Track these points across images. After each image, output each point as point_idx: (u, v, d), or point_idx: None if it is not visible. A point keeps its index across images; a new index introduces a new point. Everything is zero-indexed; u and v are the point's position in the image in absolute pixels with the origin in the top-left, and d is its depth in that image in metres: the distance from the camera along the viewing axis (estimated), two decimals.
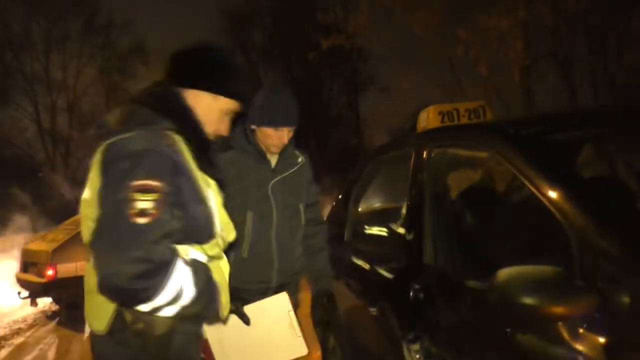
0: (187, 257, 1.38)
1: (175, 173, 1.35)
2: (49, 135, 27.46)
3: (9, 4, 24.91)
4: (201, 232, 1.44)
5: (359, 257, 2.91)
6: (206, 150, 1.50)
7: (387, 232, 2.73)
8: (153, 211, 1.26)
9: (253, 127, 2.13)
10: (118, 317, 1.41)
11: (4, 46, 26.16)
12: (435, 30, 10.91)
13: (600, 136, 2.18)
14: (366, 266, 2.75)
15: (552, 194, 1.49)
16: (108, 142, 1.36)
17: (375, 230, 3.02)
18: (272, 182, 2.16)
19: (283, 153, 2.20)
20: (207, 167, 1.47)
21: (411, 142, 2.53)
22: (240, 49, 26.00)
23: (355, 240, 3.13)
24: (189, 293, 1.34)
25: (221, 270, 1.52)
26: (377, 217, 3.07)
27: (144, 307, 1.30)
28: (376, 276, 2.63)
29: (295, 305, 2.05)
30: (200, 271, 1.40)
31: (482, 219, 2.27)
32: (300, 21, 24.43)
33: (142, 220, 1.25)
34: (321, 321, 2.28)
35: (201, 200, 1.41)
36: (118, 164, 1.30)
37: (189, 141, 1.43)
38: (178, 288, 1.30)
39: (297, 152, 2.25)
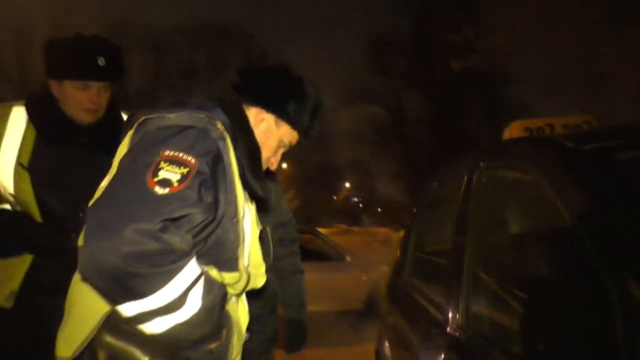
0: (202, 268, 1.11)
1: (217, 164, 1.11)
2: None
3: (178, 36, 28.13)
4: (224, 253, 1.16)
5: (407, 305, 2.35)
6: (257, 169, 1.26)
7: (430, 277, 2.14)
8: (176, 184, 1.02)
9: None
10: (88, 347, 1.10)
11: (175, 75, 29.49)
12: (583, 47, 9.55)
13: None
14: (405, 323, 2.19)
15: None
16: (146, 116, 1.15)
17: (424, 272, 2.42)
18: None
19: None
20: (255, 185, 1.24)
21: (465, 163, 1.94)
22: (382, 74, 25.93)
23: (408, 282, 2.55)
24: (193, 305, 1.05)
25: (237, 313, 1.25)
26: (431, 256, 2.48)
27: (129, 309, 1.02)
28: (415, 334, 2.05)
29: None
30: (215, 287, 1.11)
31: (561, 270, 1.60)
32: (436, 43, 23.30)
33: (161, 190, 1.01)
34: (292, 352, 2.12)
35: (235, 214, 1.16)
36: (152, 134, 1.10)
37: (237, 144, 1.20)
38: (181, 292, 1.03)
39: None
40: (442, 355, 1.59)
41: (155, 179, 1.01)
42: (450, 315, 1.64)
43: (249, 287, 1.26)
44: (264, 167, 1.33)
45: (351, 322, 6.18)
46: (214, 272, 1.13)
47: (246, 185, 1.21)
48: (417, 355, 1.98)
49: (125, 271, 0.96)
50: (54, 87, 1.64)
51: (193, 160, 1.05)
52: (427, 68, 21.88)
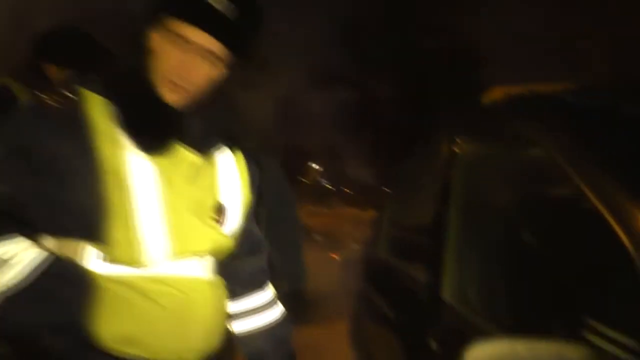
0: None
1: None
2: None
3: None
4: (70, 218, 0.97)
5: (384, 282, 2.28)
6: (142, 116, 1.04)
7: (409, 253, 2.07)
8: None
9: None
10: None
11: None
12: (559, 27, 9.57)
13: None
14: (387, 296, 2.12)
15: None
16: None
17: (401, 248, 2.35)
18: None
19: None
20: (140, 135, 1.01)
21: (445, 131, 1.85)
22: (352, 57, 25.64)
23: (386, 257, 2.48)
24: (17, 272, 0.92)
25: (116, 296, 0.98)
26: (407, 231, 2.41)
27: None
28: (394, 311, 1.99)
29: None
30: (55, 264, 0.95)
31: (552, 242, 1.55)
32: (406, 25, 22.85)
33: None
34: None
35: (89, 173, 0.96)
36: None
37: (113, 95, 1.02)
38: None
39: None
40: (426, 329, 1.52)
41: None
42: (433, 289, 1.57)
43: (178, 257, 1.03)
44: (168, 91, 1.01)
45: (323, 301, 6.13)
46: (99, 247, 0.96)
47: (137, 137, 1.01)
48: (398, 331, 1.92)
49: None
50: None
51: None
52: (399, 49, 21.73)
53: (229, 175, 1.17)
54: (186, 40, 0.96)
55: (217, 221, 1.11)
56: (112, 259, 0.97)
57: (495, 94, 1.92)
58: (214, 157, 1.15)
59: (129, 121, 1.00)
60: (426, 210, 1.82)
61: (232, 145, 1.21)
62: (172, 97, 1.01)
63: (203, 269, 1.10)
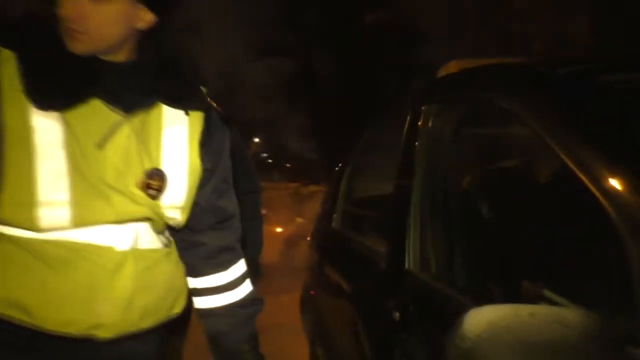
0: None
1: None
2: None
3: None
4: None
5: (340, 254, 2.27)
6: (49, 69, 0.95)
7: (367, 225, 2.07)
8: None
9: None
10: None
11: None
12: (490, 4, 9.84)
13: None
14: (343, 268, 2.11)
15: (610, 182, 0.79)
16: None
17: (358, 220, 2.35)
18: None
19: None
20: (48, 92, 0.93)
21: (408, 101, 1.83)
22: (292, 29, 25.18)
23: (342, 229, 2.47)
24: None
25: (6, 258, 0.94)
26: (365, 204, 2.40)
27: None
28: (351, 283, 1.98)
29: None
30: None
31: (507, 213, 1.58)
32: None
33: None
34: None
35: None
36: None
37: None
38: None
39: None
40: (387, 299, 1.52)
41: None
42: (396, 259, 1.56)
43: (83, 224, 0.96)
44: (66, 37, 0.93)
45: (267, 275, 6.12)
46: None
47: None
48: (355, 302, 1.91)
49: None
50: None
51: None
52: (338, 21, 21.59)
53: (174, 140, 1.06)
54: None
55: (148, 189, 1.02)
56: (4, 218, 0.93)
57: (452, 68, 1.92)
58: (158, 118, 1.04)
59: (34, 75, 0.92)
60: (385, 184, 1.80)
61: (196, 107, 1.09)
62: (74, 45, 0.93)
63: (124, 238, 1.02)
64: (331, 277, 2.35)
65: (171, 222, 1.10)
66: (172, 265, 1.16)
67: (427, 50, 21.04)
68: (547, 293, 1.09)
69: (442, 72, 2.05)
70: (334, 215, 2.54)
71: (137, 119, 1.01)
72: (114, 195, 0.98)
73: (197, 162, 1.09)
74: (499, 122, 1.45)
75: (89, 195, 0.95)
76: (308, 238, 3.23)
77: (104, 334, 1.00)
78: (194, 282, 1.24)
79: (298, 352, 3.01)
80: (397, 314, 1.49)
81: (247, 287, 1.27)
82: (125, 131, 0.99)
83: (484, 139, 1.63)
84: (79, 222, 0.95)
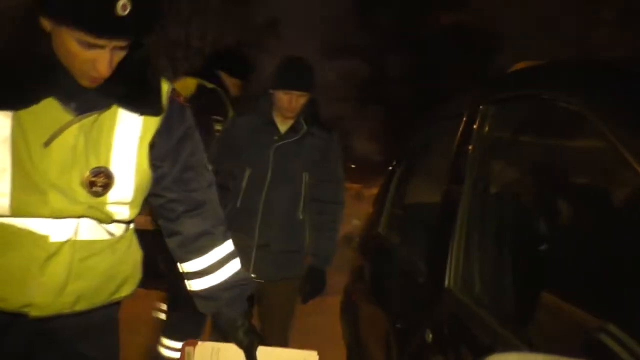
0: None
1: None
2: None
3: None
4: None
5: (381, 261, 2.13)
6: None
7: (411, 233, 1.91)
8: None
9: (270, 91, 2.25)
10: None
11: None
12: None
13: None
14: (383, 276, 1.97)
15: None
16: None
17: (403, 227, 2.19)
18: (275, 145, 2.25)
19: (295, 121, 2.28)
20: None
21: (466, 101, 1.66)
22: (365, 30, 24.93)
23: (386, 235, 2.32)
24: None
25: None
26: (411, 209, 2.24)
27: None
28: (389, 293, 1.84)
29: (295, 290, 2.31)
30: None
31: (570, 236, 1.38)
32: None
33: None
34: (306, 299, 2.32)
35: None
36: None
37: None
38: None
39: (302, 121, 2.28)
40: (423, 317, 1.38)
41: None
42: (436, 275, 1.41)
43: (21, 214, 1.04)
44: (84, 79, 1.01)
45: None
46: None
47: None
48: (391, 315, 1.77)
49: None
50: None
51: None
52: (413, 23, 21.10)
53: (125, 140, 1.11)
54: (92, 44, 0.95)
55: (93, 186, 1.08)
56: None
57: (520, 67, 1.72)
58: (111, 119, 1.09)
59: None
60: (435, 190, 1.65)
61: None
62: (90, 84, 1.02)
63: (61, 230, 1.08)
64: (371, 283, 2.22)
65: (118, 217, 1.15)
66: (118, 253, 1.20)
67: (505, 54, 20.18)
68: (612, 328, 0.92)
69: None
70: (381, 219, 2.41)
71: (89, 120, 1.05)
72: (52, 192, 1.04)
73: (144, 162, 1.14)
74: (565, 128, 1.26)
75: (27, 190, 1.02)
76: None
77: (35, 312, 1.09)
78: (180, 267, 1.34)
79: (335, 358, 2.90)
80: (430, 335, 1.35)
81: (228, 270, 1.32)
82: (74, 131, 1.03)
83: (546, 148, 1.44)
84: (16, 212, 1.03)
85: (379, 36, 24.33)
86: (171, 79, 1.27)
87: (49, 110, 1.01)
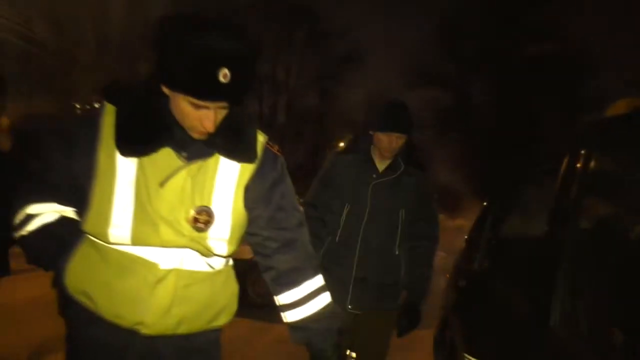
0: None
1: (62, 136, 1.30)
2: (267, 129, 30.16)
3: (246, 10, 28.06)
4: (78, 201, 1.27)
5: (479, 299, 2.13)
6: (132, 134, 1.25)
7: (511, 270, 1.91)
8: None
9: (371, 132, 2.37)
10: None
11: None
12: None
13: None
14: (482, 315, 1.97)
15: None
16: None
17: (502, 264, 2.18)
18: (373, 183, 2.34)
19: (393, 160, 2.38)
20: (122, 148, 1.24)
21: (569, 141, 1.68)
22: (451, 60, 24.70)
23: (483, 272, 2.33)
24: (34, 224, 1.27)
25: (88, 259, 1.27)
26: (510, 246, 2.23)
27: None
28: (489, 333, 1.84)
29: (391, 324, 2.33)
30: (64, 222, 1.29)
31: None
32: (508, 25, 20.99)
33: None
34: (402, 333, 2.34)
35: (92, 175, 1.24)
36: None
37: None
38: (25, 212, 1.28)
39: (400, 161, 2.38)
40: (533, 351, 1.39)
41: None
42: (541, 313, 1.42)
43: (138, 243, 1.23)
44: (194, 133, 1.22)
45: None
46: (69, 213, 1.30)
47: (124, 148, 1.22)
48: (499, 345, 1.78)
49: None
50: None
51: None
52: (498, 53, 20.59)
53: (225, 184, 1.28)
54: (200, 106, 1.15)
55: (196, 222, 1.23)
56: (87, 230, 1.24)
57: (621, 107, 1.72)
58: (214, 166, 1.27)
59: (123, 127, 1.21)
60: (539, 227, 1.66)
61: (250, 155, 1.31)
62: (198, 136, 1.22)
63: (169, 259, 1.24)
64: (468, 322, 2.22)
65: (217, 251, 1.29)
66: (217, 284, 1.35)
67: (592, 84, 19.05)
68: None
69: (610, 112, 1.86)
70: (477, 255, 2.42)
71: (196, 166, 1.24)
72: (163, 225, 1.22)
73: (240, 204, 1.30)
74: None
75: (145, 223, 1.21)
76: (447, 275, 3.11)
77: (145, 330, 1.24)
78: (276, 299, 1.44)
79: None
80: None
81: (318, 303, 1.40)
82: (183, 174, 1.23)
83: None
84: (135, 241, 1.22)
85: (462, 66, 23.98)
86: (257, 112, 1.46)
87: (165, 157, 1.21)
